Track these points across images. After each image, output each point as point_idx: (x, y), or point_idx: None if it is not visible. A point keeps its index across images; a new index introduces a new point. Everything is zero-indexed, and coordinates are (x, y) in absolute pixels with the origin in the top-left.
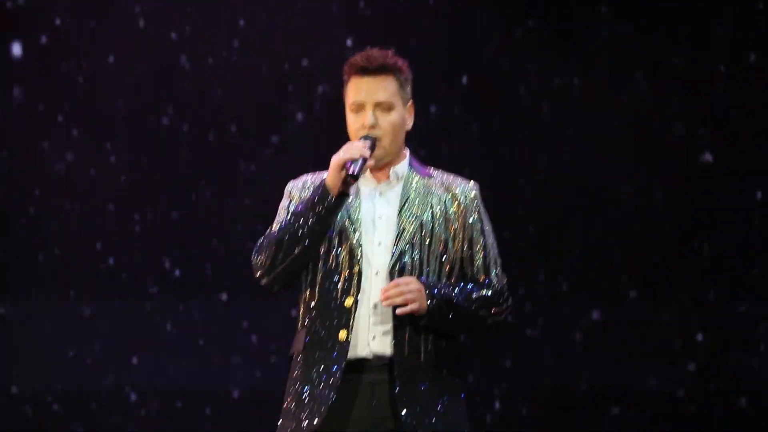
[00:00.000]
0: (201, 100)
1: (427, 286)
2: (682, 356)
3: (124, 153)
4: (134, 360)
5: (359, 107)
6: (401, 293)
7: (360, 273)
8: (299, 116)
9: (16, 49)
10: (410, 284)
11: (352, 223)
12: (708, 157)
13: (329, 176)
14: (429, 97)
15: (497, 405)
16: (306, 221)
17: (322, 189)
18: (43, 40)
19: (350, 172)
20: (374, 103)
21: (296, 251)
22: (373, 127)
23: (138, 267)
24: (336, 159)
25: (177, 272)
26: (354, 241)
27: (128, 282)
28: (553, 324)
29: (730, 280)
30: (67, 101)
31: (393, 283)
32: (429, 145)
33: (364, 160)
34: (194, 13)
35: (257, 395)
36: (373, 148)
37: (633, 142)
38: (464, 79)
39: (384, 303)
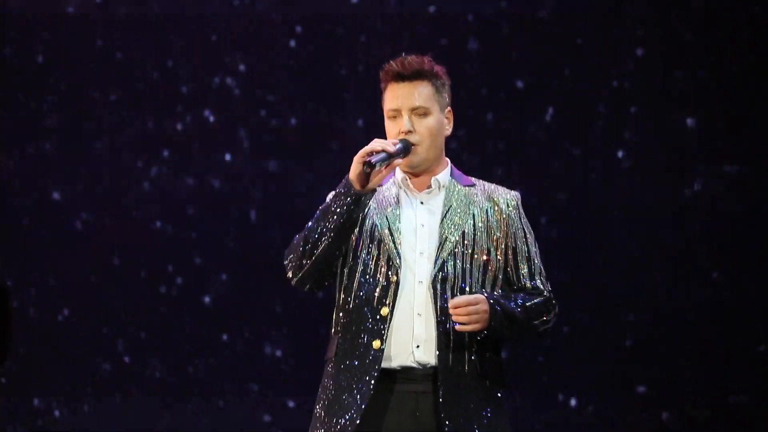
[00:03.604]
0: (256, 105)
1: (492, 305)
2: None
3: (179, 158)
4: None
5: (396, 113)
6: (469, 313)
7: (398, 283)
8: (359, 122)
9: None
10: (480, 305)
11: (392, 233)
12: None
13: (352, 169)
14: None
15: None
16: (331, 215)
17: (345, 182)
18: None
19: (367, 160)
20: (410, 108)
21: (321, 246)
22: (409, 132)
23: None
24: (360, 153)
25: (230, 283)
26: (393, 250)
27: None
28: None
29: None
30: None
31: (464, 300)
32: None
33: (388, 155)
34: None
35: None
36: (405, 150)
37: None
38: (519, 84)
39: (453, 318)
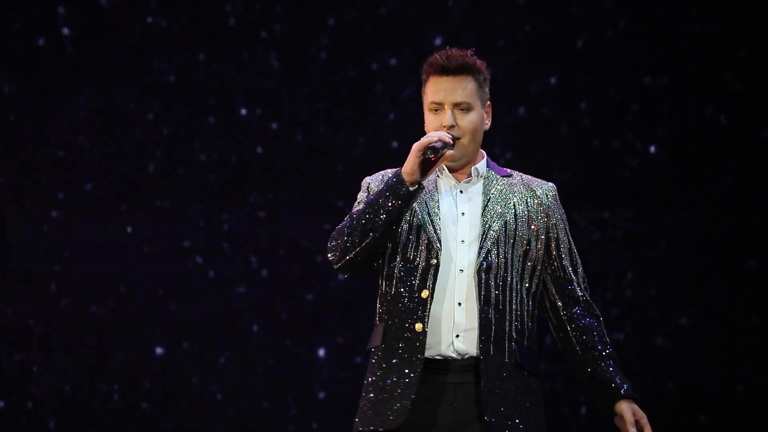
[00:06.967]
0: (290, 99)
1: (635, 398)
2: None
3: (213, 152)
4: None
5: (438, 107)
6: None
7: (437, 267)
8: (391, 116)
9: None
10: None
11: (432, 219)
12: None
13: (407, 162)
14: (518, 97)
15: (583, 410)
16: (379, 210)
17: (397, 178)
18: (135, 37)
19: (432, 145)
20: (453, 103)
21: (367, 240)
22: (451, 126)
23: (225, 266)
24: (417, 145)
25: (264, 272)
26: (433, 235)
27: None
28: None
29: None
30: (158, 99)
31: (641, 415)
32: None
33: (444, 144)
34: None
35: (343, 396)
36: (453, 143)
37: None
38: (553, 80)
39: None
